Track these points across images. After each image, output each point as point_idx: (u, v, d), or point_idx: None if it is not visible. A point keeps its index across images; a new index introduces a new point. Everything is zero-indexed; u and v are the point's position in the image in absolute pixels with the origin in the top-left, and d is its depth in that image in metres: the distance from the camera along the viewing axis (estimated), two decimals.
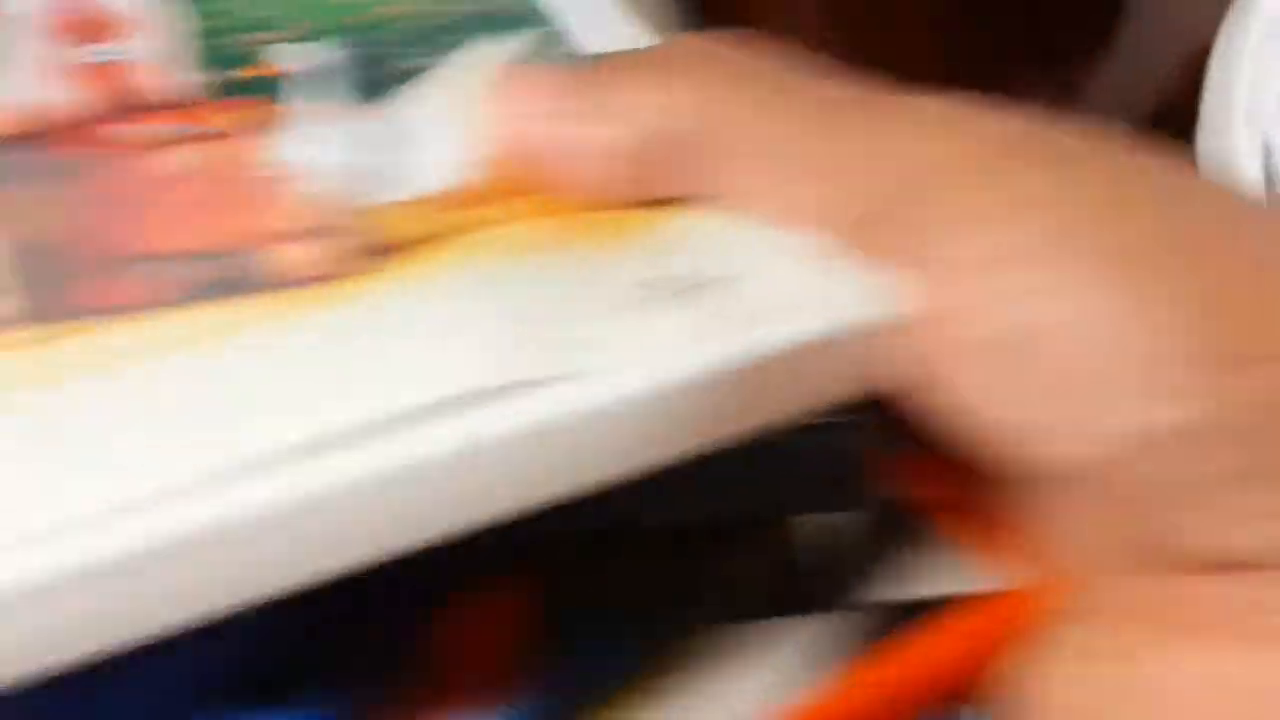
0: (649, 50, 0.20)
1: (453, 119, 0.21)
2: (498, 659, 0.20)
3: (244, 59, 0.24)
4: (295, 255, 0.19)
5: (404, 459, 0.15)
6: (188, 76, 0.23)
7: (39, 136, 0.23)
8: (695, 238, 0.18)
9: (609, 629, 0.20)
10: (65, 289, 0.19)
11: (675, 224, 0.18)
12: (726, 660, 0.20)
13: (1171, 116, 0.32)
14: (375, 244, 0.19)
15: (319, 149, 0.22)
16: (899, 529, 0.21)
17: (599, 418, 0.16)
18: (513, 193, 0.20)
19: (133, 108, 0.23)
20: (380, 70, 0.23)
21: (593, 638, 0.20)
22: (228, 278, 0.19)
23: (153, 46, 0.24)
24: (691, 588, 0.21)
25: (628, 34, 0.22)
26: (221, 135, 0.22)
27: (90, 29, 0.25)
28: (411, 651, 0.20)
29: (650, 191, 0.18)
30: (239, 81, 0.23)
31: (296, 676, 0.19)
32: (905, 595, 0.21)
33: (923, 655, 0.20)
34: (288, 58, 0.23)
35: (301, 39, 0.23)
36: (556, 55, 0.22)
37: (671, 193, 0.18)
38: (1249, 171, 0.29)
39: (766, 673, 0.20)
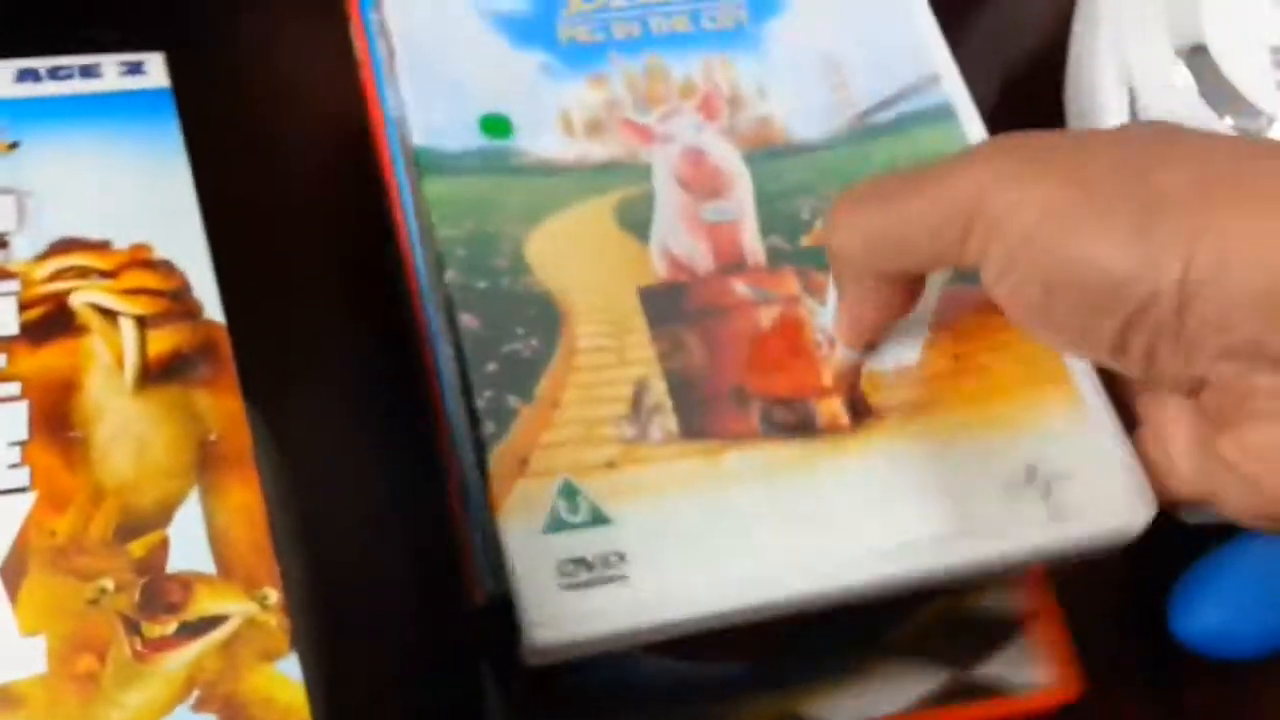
0: None
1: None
2: None
3: (795, 228, 0.30)
4: (833, 409, 0.28)
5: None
6: (762, 240, 0.30)
7: (685, 284, 0.29)
8: (1045, 433, 0.27)
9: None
10: (704, 415, 0.27)
11: (1038, 414, 0.28)
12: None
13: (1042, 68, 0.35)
14: (863, 405, 0.28)
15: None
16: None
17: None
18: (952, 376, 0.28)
19: (738, 266, 0.29)
20: None
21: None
22: (797, 421, 0.28)
23: (744, 208, 0.30)
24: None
25: None
26: (793, 300, 0.29)
27: (710, 185, 0.31)
28: None
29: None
30: (798, 250, 0.30)
31: None
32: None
33: None
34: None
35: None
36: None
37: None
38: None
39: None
